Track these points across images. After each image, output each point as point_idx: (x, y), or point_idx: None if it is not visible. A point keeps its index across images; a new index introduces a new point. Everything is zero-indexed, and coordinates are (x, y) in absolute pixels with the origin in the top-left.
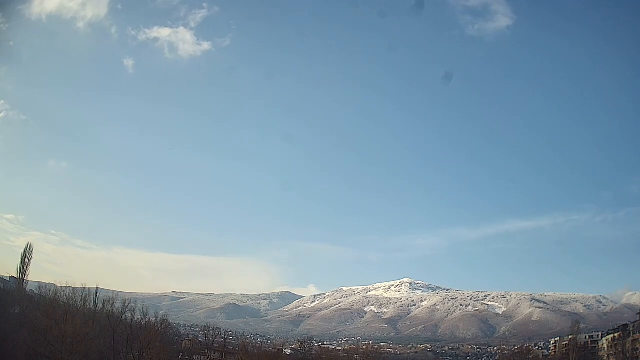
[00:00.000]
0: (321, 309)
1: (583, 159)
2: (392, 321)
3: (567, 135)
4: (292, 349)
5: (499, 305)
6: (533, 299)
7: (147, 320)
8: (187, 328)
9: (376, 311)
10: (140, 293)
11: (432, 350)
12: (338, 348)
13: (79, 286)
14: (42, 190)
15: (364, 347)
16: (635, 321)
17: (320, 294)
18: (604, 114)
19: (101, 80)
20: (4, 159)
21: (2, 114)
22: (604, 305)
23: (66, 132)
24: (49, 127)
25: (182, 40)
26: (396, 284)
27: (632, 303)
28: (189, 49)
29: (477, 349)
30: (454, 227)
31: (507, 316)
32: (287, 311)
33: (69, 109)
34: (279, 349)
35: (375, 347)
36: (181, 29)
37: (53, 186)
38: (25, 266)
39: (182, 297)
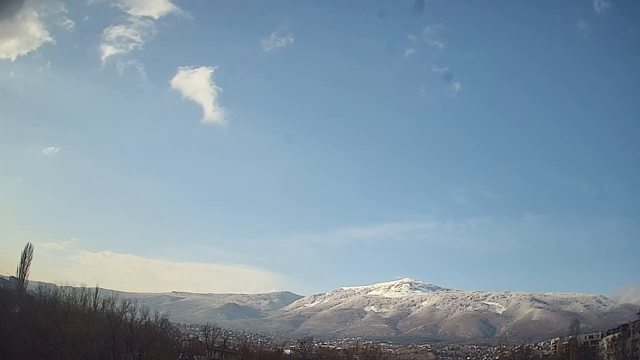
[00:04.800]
0: (321, 309)
1: (401, 170)
2: (392, 321)
3: (385, 146)
4: (292, 349)
5: (499, 305)
6: (533, 299)
7: (147, 320)
8: (187, 328)
9: (376, 311)
10: (140, 293)
11: (432, 350)
12: (338, 348)
13: (79, 286)
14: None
15: (364, 347)
16: (635, 321)
17: (320, 294)
18: (420, 126)
19: None
20: None
21: None
22: (604, 305)
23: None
24: None
25: None
26: (396, 284)
27: (632, 303)
28: None
29: (477, 349)
30: (306, 234)
31: (507, 316)
32: (287, 311)
33: None
34: (279, 349)
35: (375, 347)
36: None
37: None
38: (25, 266)
39: (182, 297)
